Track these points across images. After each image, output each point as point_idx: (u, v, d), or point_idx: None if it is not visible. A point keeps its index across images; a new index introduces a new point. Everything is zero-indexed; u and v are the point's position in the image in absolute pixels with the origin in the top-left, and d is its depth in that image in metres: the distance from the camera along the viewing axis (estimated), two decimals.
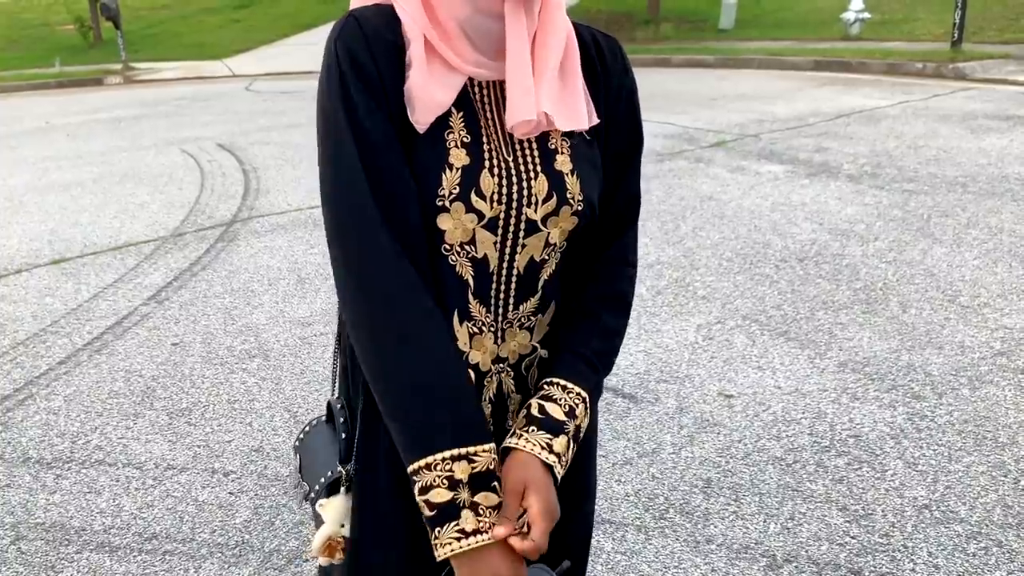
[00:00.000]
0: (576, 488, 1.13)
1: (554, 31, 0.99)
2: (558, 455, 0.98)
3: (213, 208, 5.84)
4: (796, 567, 2.20)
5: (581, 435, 1.04)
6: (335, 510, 1.17)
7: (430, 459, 0.90)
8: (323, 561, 1.17)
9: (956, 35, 11.02)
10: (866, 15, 13.83)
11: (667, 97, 9.23)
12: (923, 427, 2.79)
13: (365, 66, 0.94)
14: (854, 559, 2.23)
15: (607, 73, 1.07)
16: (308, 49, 17.86)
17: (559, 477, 0.98)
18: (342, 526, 1.17)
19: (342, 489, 1.13)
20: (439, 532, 0.91)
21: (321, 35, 19.66)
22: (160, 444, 2.87)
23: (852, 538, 2.30)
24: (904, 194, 5.31)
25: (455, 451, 0.91)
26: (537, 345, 1.08)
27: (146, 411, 3.09)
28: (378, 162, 0.93)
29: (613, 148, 1.07)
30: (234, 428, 2.96)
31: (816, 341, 3.41)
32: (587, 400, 1.04)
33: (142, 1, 26.75)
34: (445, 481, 0.90)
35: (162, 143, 8.47)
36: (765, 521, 2.38)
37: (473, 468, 0.91)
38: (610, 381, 3.03)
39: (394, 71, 0.95)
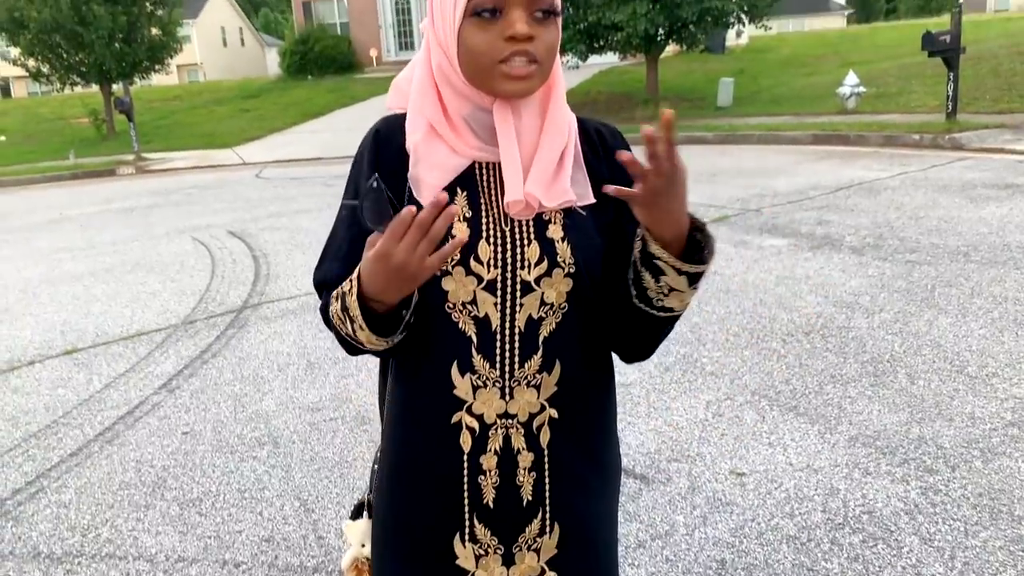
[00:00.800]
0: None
1: (555, 127, 1.15)
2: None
3: (224, 295, 5.91)
4: None
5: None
6: (358, 532, 1.36)
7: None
8: None
9: (950, 106, 11.22)
10: (861, 89, 14.12)
11: None
12: (937, 501, 2.76)
13: (365, 171, 1.17)
14: None
15: (608, 153, 1.21)
16: (317, 136, 18.28)
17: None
18: (363, 546, 1.34)
19: (365, 514, 1.34)
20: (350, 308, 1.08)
21: (328, 122, 20.21)
22: (171, 536, 2.86)
23: None
24: (907, 265, 5.36)
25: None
26: (545, 404, 1.16)
27: (157, 502, 3.09)
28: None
29: (628, 213, 1.14)
30: (244, 518, 2.95)
31: (826, 415, 3.41)
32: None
33: (154, 93, 27.53)
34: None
35: (174, 231, 8.62)
36: None
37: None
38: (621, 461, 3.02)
39: (402, 167, 1.15)
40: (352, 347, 1.16)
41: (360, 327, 1.08)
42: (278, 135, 19.58)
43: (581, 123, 1.23)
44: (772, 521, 2.72)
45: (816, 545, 2.58)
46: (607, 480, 1.27)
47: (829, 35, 28.79)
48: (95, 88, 22.19)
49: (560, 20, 1.12)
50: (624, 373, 3.80)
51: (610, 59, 20.23)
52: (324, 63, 28.16)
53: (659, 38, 16.39)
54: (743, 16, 16.62)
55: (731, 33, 20.81)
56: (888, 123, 12.01)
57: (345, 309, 1.09)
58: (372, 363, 4.33)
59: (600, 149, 1.22)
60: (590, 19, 15.85)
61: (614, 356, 1.26)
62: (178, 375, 4.36)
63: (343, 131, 17.56)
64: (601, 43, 16.81)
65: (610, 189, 1.03)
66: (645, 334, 1.18)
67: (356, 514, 1.39)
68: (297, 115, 21.65)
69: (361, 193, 1.06)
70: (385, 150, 1.18)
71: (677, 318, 1.15)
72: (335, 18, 31.16)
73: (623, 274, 1.14)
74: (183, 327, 5.19)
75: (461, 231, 1.11)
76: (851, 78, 14.19)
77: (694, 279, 1.09)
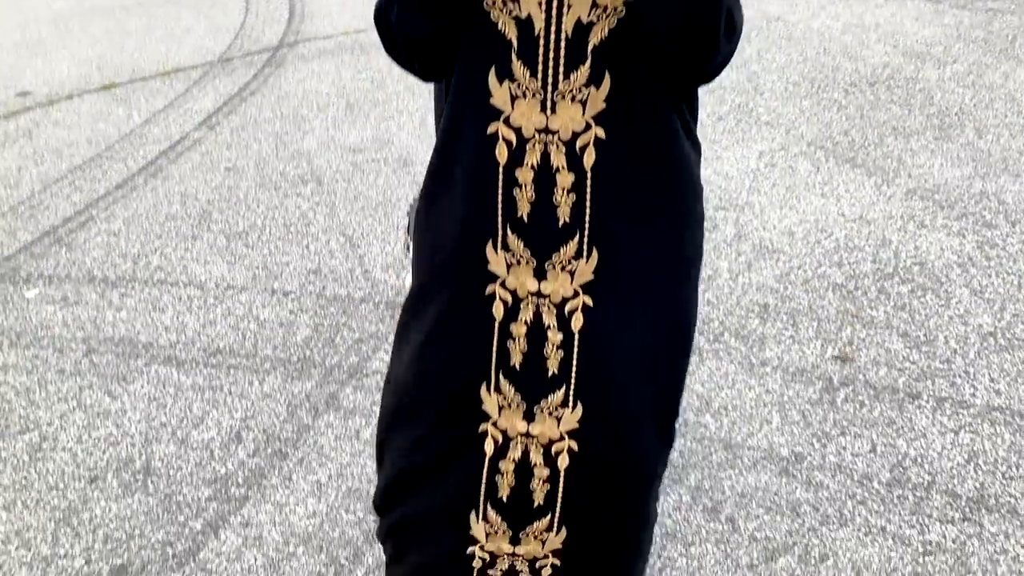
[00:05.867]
0: None
1: None
2: None
3: (259, 33, 5.68)
4: (853, 390, 2.20)
5: None
6: None
7: None
8: None
9: None
10: None
11: None
12: (992, 255, 2.69)
13: None
14: (912, 384, 2.21)
15: None
16: None
17: None
18: None
19: None
20: None
21: None
22: (219, 265, 2.92)
23: (912, 363, 2.28)
24: (988, 14, 4.94)
25: None
26: (591, 122, 1.06)
27: (203, 233, 3.12)
28: None
29: None
30: (291, 251, 2.98)
31: (884, 168, 3.27)
32: None
33: None
34: None
35: None
36: (823, 346, 2.36)
37: None
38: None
39: None
40: (394, 47, 1.06)
41: None
42: None
43: None
44: (819, 269, 2.69)
45: (863, 293, 2.56)
46: (668, 212, 1.17)
47: None
48: None
49: None
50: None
51: None
52: None
53: None
54: None
55: None
56: None
57: None
58: (413, 106, 4.21)
59: None
60: None
61: None
62: (217, 112, 4.28)
63: None
64: None
65: None
66: None
67: None
68: None
69: None
70: None
71: None
72: None
73: None
74: (220, 64, 5.04)
75: None
76: None
77: None
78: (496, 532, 1.25)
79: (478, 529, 1.25)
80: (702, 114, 3.87)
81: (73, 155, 3.87)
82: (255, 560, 1.87)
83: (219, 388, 2.37)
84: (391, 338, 2.50)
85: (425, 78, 1.16)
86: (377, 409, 2.23)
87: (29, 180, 3.64)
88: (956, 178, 3.16)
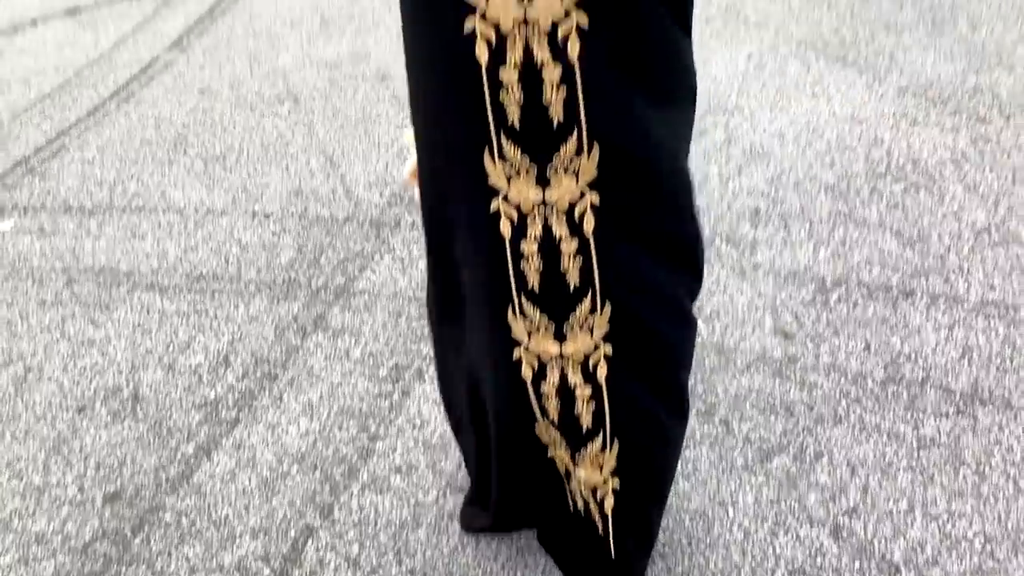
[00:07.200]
0: None
1: None
2: None
3: None
4: (846, 290, 2.17)
5: None
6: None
7: None
8: (411, 186, 1.30)
9: None
10: None
11: None
12: (987, 151, 2.64)
13: None
14: (906, 281, 2.19)
15: None
16: None
17: None
18: None
19: None
20: None
21: None
22: (198, 189, 2.84)
23: (905, 262, 2.25)
24: None
25: None
26: (572, 8, 0.98)
27: (180, 157, 3.04)
28: None
29: None
30: (270, 172, 2.90)
31: (876, 65, 3.19)
32: None
33: None
34: None
35: None
36: (815, 247, 2.33)
37: None
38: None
39: None
40: None
41: None
42: None
43: None
44: (811, 171, 2.64)
45: (855, 193, 2.51)
46: (663, 102, 1.11)
47: None
48: None
49: None
50: None
51: None
52: None
53: None
54: None
55: None
56: None
57: None
58: (389, 20, 4.05)
59: None
60: None
61: None
62: (188, 33, 4.13)
63: None
64: None
65: None
66: None
67: None
68: None
69: None
70: None
71: None
72: None
73: None
74: None
75: None
76: None
77: None
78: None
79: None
80: None
81: (41, 83, 3.74)
82: (249, 481, 1.86)
83: (204, 313, 2.33)
84: (376, 257, 2.47)
85: None
86: (366, 328, 2.21)
87: None
88: (949, 73, 3.08)
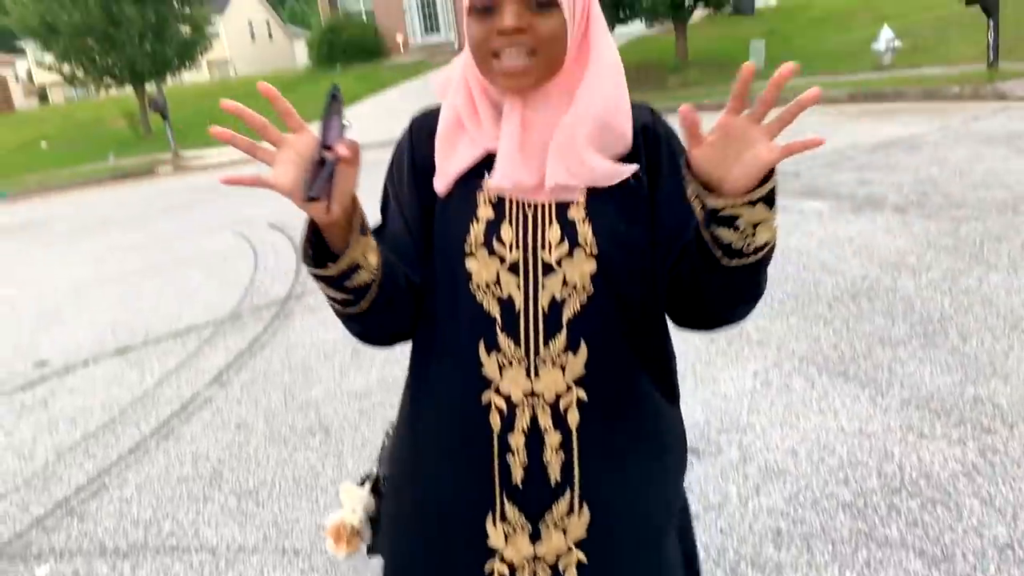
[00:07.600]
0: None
1: (582, 110, 1.14)
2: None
3: (268, 287, 5.98)
4: None
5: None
6: (354, 498, 1.36)
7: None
8: (332, 548, 1.34)
9: (991, 55, 10.92)
10: (897, 43, 13.77)
11: None
12: (996, 462, 2.71)
13: (401, 158, 1.26)
14: None
15: (642, 134, 1.20)
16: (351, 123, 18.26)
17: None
18: (354, 512, 1.34)
19: (367, 484, 1.38)
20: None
21: (360, 110, 20.22)
22: (230, 526, 2.92)
23: None
24: (953, 222, 5.24)
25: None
26: (572, 385, 1.16)
27: (215, 493, 3.15)
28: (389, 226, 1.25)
29: (665, 190, 1.18)
30: (301, 506, 3.00)
31: (876, 379, 3.36)
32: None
33: (187, 91, 27.78)
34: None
35: (215, 226, 8.72)
36: (840, 569, 2.33)
37: None
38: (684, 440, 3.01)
39: (432, 153, 1.20)
40: (346, 317, 1.22)
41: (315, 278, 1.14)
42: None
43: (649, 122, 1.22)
44: (827, 488, 2.70)
45: (873, 511, 2.56)
46: (657, 458, 1.26)
47: None
48: (129, 90, 22.45)
49: (567, 7, 1.09)
50: None
51: (638, 28, 19.98)
52: (352, 52, 28.10)
53: (685, 2, 16.16)
54: None
55: None
56: (926, 77, 11.72)
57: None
58: None
59: (640, 137, 1.20)
60: None
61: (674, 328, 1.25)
62: (228, 368, 4.43)
63: (375, 119, 17.57)
64: (627, 12, 16.62)
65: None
66: (746, 285, 1.12)
67: (364, 482, 1.40)
68: None
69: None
70: (418, 138, 1.24)
71: (773, 251, 1.09)
72: (360, 5, 31.12)
73: (687, 252, 1.11)
74: (230, 320, 5.27)
75: (487, 213, 1.16)
76: (886, 33, 13.85)
77: (770, 199, 1.07)
78: None
79: None
80: (695, 337, 4.03)
81: (87, 422, 3.97)
82: None
83: None
84: None
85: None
86: None
87: (43, 451, 3.71)
88: (948, 384, 3.24)
